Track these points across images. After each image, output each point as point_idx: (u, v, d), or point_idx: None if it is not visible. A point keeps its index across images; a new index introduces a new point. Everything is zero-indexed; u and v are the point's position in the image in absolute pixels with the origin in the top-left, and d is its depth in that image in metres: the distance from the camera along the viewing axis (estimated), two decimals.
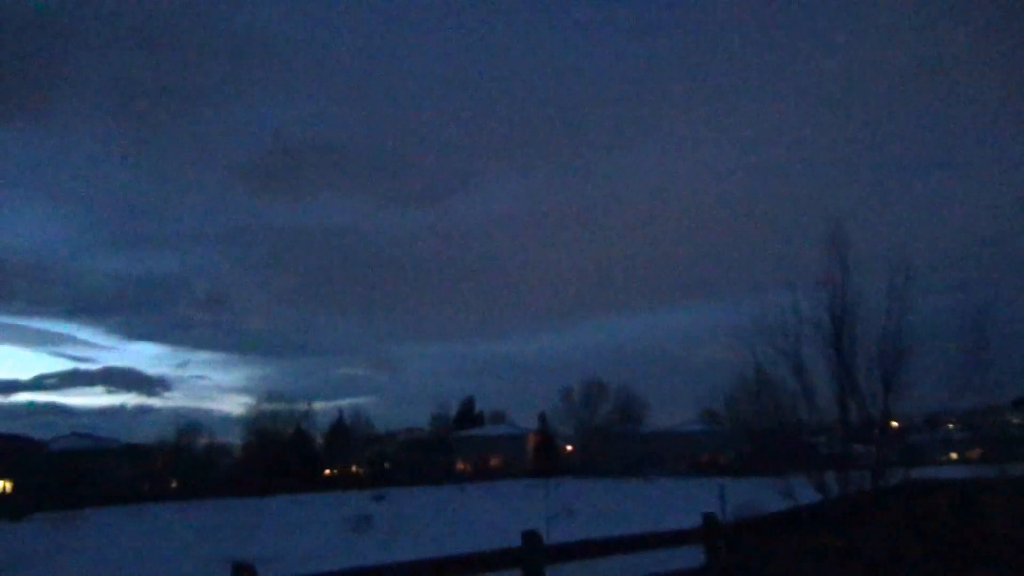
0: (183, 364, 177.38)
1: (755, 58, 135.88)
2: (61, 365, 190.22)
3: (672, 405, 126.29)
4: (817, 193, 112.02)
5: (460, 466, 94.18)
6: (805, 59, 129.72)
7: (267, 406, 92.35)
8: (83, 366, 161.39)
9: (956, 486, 8.15)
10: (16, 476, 72.65)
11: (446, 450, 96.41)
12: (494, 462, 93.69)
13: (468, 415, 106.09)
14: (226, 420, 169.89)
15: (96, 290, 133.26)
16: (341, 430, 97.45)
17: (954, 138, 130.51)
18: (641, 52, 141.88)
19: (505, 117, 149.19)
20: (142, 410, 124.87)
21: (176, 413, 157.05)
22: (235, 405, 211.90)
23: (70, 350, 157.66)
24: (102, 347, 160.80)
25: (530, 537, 6.68)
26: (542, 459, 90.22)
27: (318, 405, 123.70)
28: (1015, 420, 43.91)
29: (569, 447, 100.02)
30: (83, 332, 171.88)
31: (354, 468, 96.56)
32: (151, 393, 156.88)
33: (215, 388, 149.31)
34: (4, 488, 72.24)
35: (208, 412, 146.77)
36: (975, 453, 56.62)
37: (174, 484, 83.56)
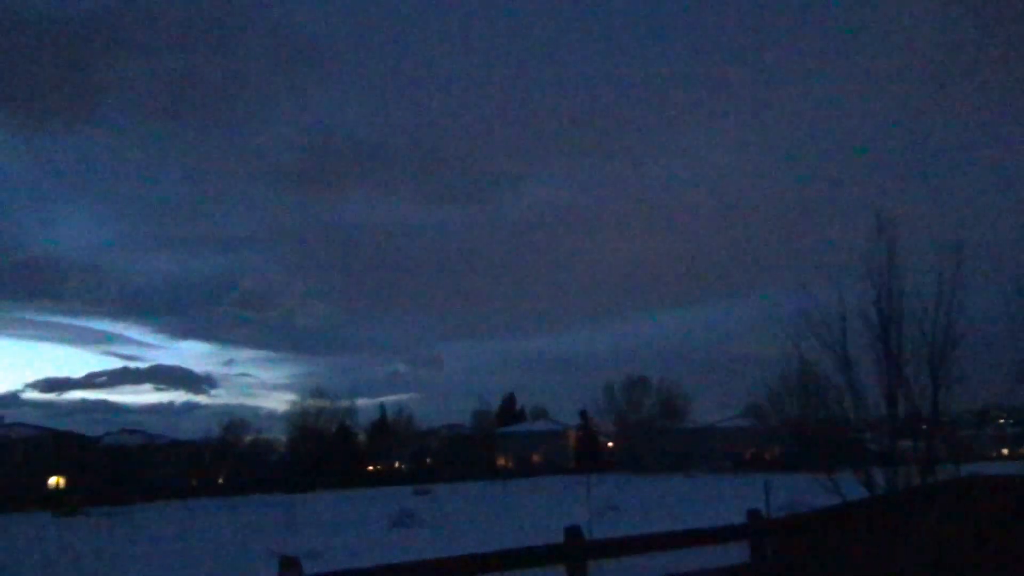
0: (229, 362, 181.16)
1: (797, 47, 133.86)
2: (112, 363, 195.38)
3: (715, 400, 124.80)
4: (862, 182, 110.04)
5: (502, 462, 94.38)
6: (848, 45, 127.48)
7: (311, 403, 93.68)
8: (133, 364, 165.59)
9: (1010, 483, 7.94)
10: (70, 472, 74.48)
11: (488, 446, 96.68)
12: (536, 458, 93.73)
13: (510, 411, 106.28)
14: (271, 417, 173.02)
15: (145, 290, 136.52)
16: (384, 426, 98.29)
17: (1008, 115, 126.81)
18: (683, 46, 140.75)
19: (548, 115, 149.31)
20: (189, 407, 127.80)
21: (222, 410, 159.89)
22: (280, 402, 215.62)
23: (120, 349, 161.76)
24: (151, 346, 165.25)
25: (573, 533, 6.66)
26: (584, 455, 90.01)
27: (361, 402, 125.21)
28: None
29: (610, 443, 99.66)
30: (133, 331, 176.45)
31: (397, 464, 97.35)
32: (198, 390, 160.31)
33: (260, 385, 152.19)
34: (58, 484, 74.05)
35: (253, 409, 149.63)
36: None
37: (221, 480, 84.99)
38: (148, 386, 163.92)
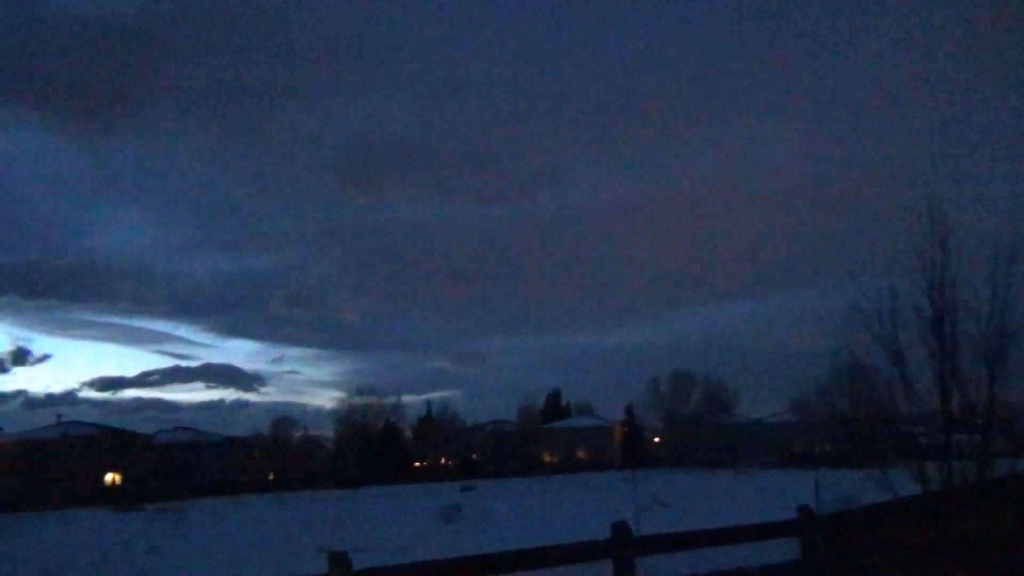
0: (277, 360, 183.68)
1: (848, 39, 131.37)
2: (163, 362, 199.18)
3: (762, 395, 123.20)
4: (915, 173, 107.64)
5: (547, 458, 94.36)
6: (900, 36, 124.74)
7: (358, 400, 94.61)
8: (184, 363, 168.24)
9: None
10: (125, 468, 76.31)
11: (533, 442, 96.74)
12: (581, 454, 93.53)
13: (555, 407, 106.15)
14: (319, 414, 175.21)
15: (195, 290, 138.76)
16: (429, 423, 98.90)
17: None
18: (729, 38, 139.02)
19: (590, 110, 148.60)
20: (239, 405, 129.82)
21: (271, 407, 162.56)
22: (327, 399, 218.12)
23: (172, 348, 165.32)
24: (201, 345, 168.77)
25: (620, 528, 6.63)
26: (629, 451, 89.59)
27: (407, 398, 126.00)
28: None
29: (656, 439, 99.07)
30: (184, 331, 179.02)
31: (443, 460, 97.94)
32: (247, 388, 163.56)
33: (308, 383, 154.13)
34: (114, 480, 75.91)
35: (302, 406, 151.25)
36: None
37: (271, 476, 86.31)
38: (199, 384, 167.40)
